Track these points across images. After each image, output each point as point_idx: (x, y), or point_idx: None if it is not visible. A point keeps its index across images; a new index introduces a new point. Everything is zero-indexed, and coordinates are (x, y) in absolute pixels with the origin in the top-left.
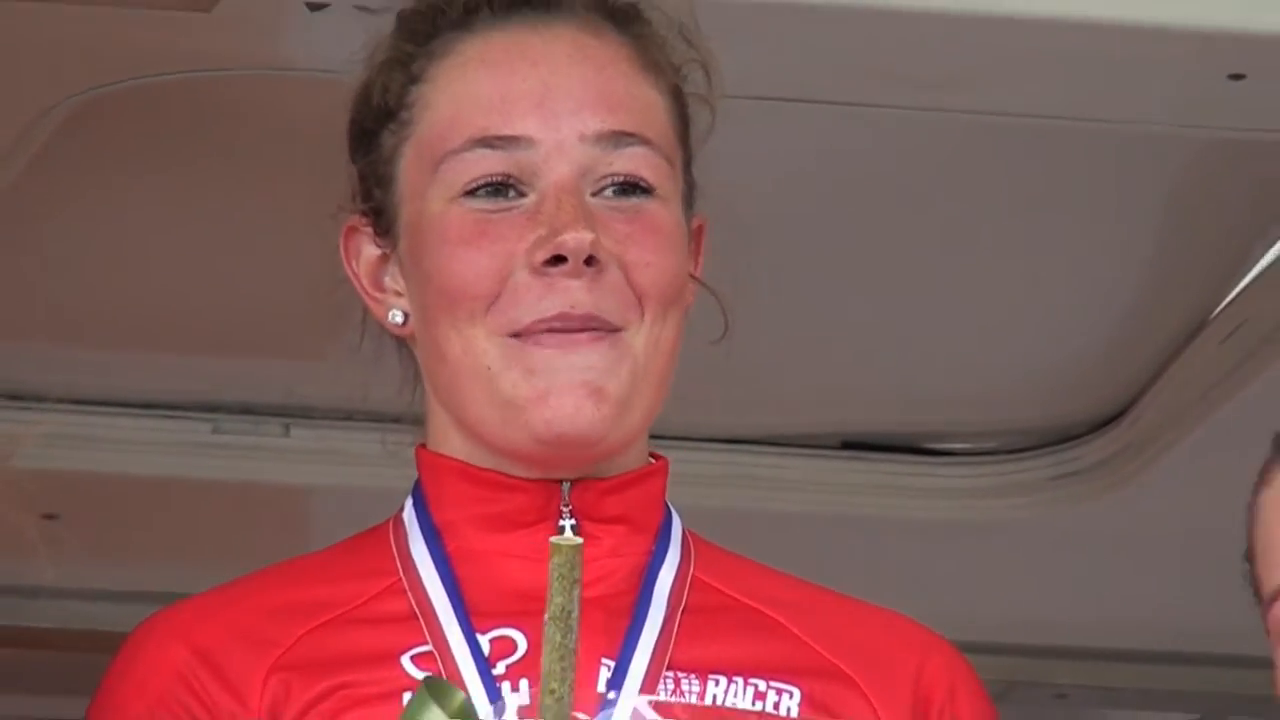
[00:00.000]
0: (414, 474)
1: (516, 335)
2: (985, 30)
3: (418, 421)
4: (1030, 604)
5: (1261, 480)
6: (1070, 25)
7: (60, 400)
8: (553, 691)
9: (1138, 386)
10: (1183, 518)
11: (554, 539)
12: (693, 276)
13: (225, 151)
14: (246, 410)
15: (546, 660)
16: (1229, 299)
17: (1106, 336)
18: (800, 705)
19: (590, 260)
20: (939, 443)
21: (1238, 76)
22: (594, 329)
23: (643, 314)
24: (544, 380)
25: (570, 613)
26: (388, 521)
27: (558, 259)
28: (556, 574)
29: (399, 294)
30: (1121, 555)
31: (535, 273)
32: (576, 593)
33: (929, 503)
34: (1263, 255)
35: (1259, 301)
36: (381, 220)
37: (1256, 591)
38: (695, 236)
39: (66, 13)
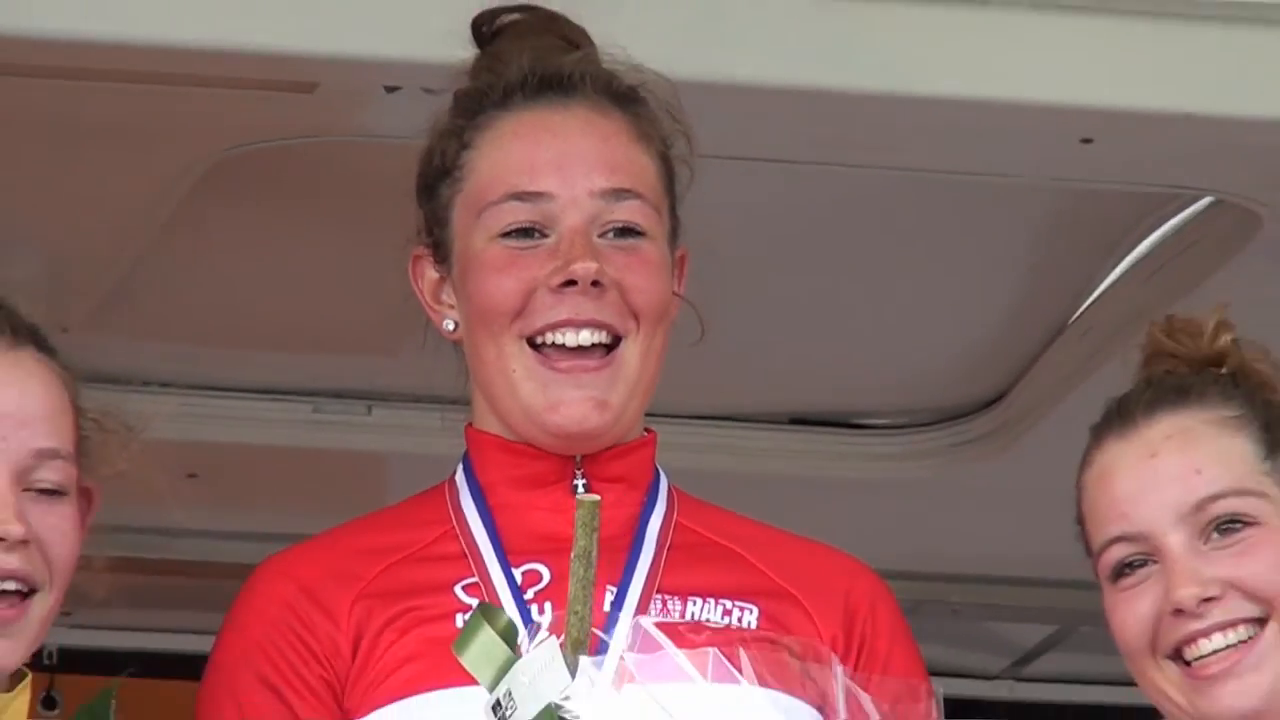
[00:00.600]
0: (463, 445)
1: (534, 338)
2: (897, 106)
3: (467, 404)
4: (932, 541)
5: (1084, 463)
6: (960, 102)
7: (202, 387)
8: (576, 612)
9: (1014, 375)
10: (1048, 475)
11: (580, 495)
12: (676, 294)
13: (323, 198)
14: (338, 395)
15: (572, 588)
16: (1082, 309)
17: (990, 338)
18: (758, 619)
19: (595, 284)
20: (864, 419)
21: (1088, 140)
22: (595, 326)
23: (638, 326)
24: (556, 395)
25: (590, 552)
26: (443, 483)
27: (570, 282)
28: (580, 522)
29: (451, 307)
30: (1001, 504)
31: (553, 292)
32: (595, 537)
33: (856, 464)
34: (1107, 276)
35: (1105, 311)
36: (440, 251)
37: (1086, 546)
38: (679, 264)
39: (207, 92)
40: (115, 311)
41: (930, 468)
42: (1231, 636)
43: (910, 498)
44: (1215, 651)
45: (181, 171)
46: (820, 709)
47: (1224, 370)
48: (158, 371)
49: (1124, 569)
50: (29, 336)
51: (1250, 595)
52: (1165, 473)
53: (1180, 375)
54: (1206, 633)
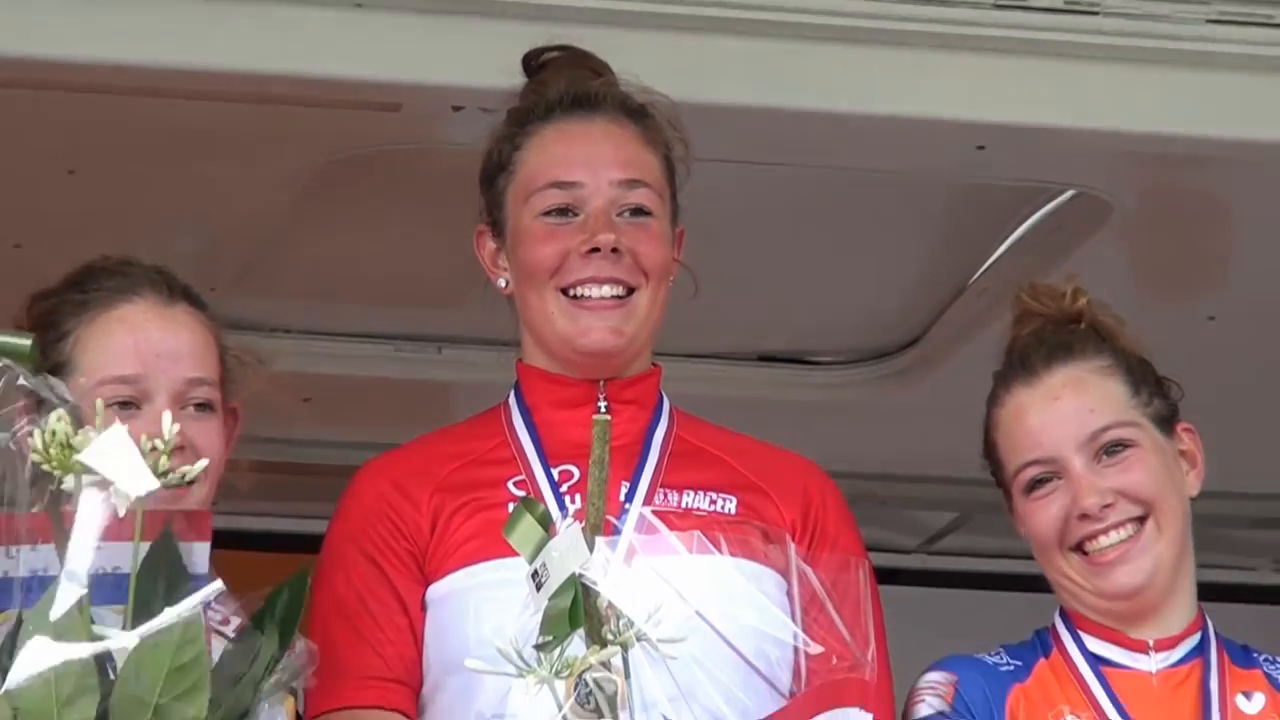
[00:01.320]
0: (510, 378)
1: (568, 290)
2: (836, 121)
3: (515, 345)
4: (865, 449)
5: (994, 403)
6: (883, 118)
7: (313, 332)
8: (594, 505)
9: (926, 324)
10: (952, 400)
11: (595, 417)
12: (676, 260)
13: (405, 191)
14: (414, 338)
15: (591, 486)
16: (977, 275)
17: (908, 295)
18: (736, 507)
19: (614, 250)
20: (814, 356)
21: (981, 147)
22: (614, 282)
23: (646, 281)
24: (585, 324)
25: (604, 459)
26: (498, 405)
27: (594, 250)
28: (596, 437)
29: (505, 269)
30: (916, 421)
31: (582, 257)
32: (608, 448)
33: (808, 391)
34: (996, 250)
35: (994, 277)
36: (496, 227)
37: (993, 465)
38: (679, 238)
39: (318, 111)
40: (251, 275)
41: (864, 394)
42: (1122, 533)
43: (849, 417)
44: (1110, 545)
45: (299, 171)
46: (783, 574)
47: (1082, 325)
48: (282, 320)
49: (1036, 484)
50: (182, 294)
51: (1134, 499)
52: (1066, 412)
53: (1061, 333)
54: (1105, 530)
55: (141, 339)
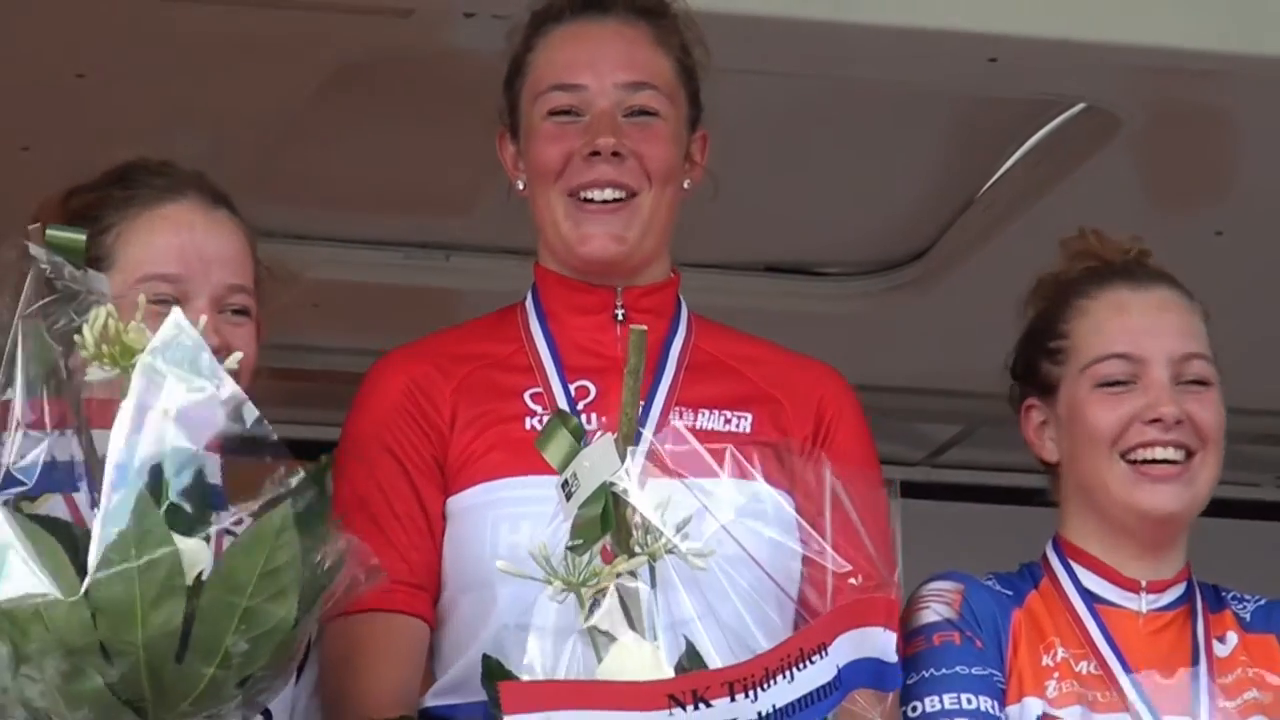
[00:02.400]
0: (511, 285)
1: (573, 193)
2: (851, 32)
3: (516, 253)
4: (871, 361)
5: (1081, 293)
6: (897, 30)
7: (323, 239)
8: (627, 415)
9: (933, 237)
10: (959, 314)
11: (633, 326)
12: (698, 163)
13: (418, 98)
14: (423, 245)
15: (625, 396)
16: (985, 187)
17: (916, 208)
18: (751, 424)
19: (616, 154)
20: (823, 267)
21: (993, 60)
22: (615, 185)
23: (650, 184)
24: (586, 230)
25: (639, 369)
26: (515, 305)
27: (595, 153)
28: (633, 346)
29: (524, 172)
30: (923, 334)
31: (584, 160)
32: (643, 357)
33: (816, 303)
34: (1005, 162)
35: (1003, 190)
36: (514, 129)
37: (1037, 361)
38: (700, 143)
39: (330, 15)
40: (263, 181)
41: (871, 305)
42: (1176, 454)
43: (855, 329)
44: (1165, 460)
45: (309, 76)
46: (790, 492)
47: (1165, 277)
48: (290, 226)
49: (1112, 382)
50: (223, 199)
51: (1197, 430)
52: (1171, 324)
53: (1131, 269)
54: (1164, 443)
55: (187, 239)
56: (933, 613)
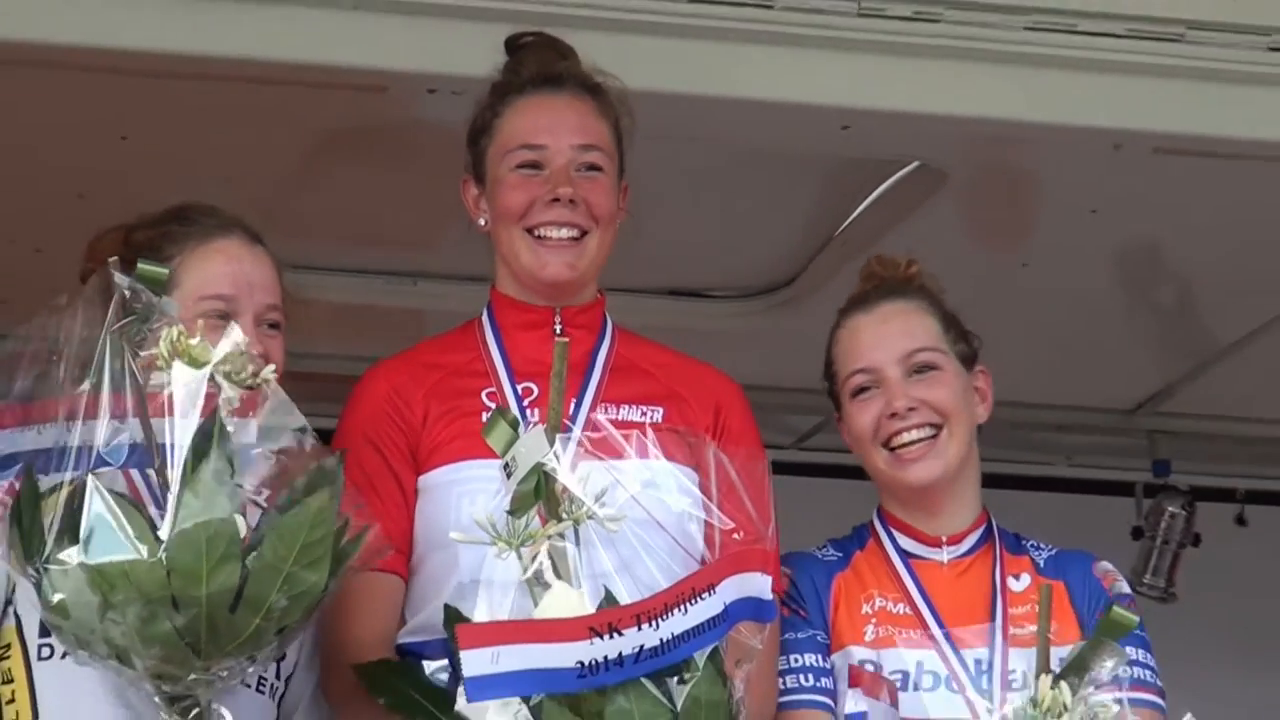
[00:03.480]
0: (470, 305)
1: (531, 230)
2: (730, 106)
3: (471, 280)
4: (753, 366)
5: (837, 327)
6: (769, 102)
7: (318, 268)
8: (554, 409)
9: (800, 267)
10: (824, 327)
11: (558, 339)
12: (621, 208)
13: (391, 157)
14: (395, 273)
15: (551, 395)
16: (842, 227)
17: (788, 243)
18: (663, 417)
19: (571, 201)
20: (713, 291)
21: (846, 127)
22: (570, 225)
23: (596, 225)
24: (544, 259)
25: (562, 373)
26: (473, 321)
27: (555, 200)
28: (557, 355)
29: (484, 211)
30: (796, 343)
31: (546, 205)
32: (565, 364)
33: (711, 320)
34: (857, 207)
35: (855, 229)
36: (479, 178)
37: (830, 378)
38: (623, 192)
39: (315, 90)
40: (266, 221)
41: (752, 322)
42: (921, 433)
43: (739, 340)
44: (911, 442)
45: (305, 139)
46: (696, 469)
47: (914, 285)
48: (292, 257)
49: (860, 390)
50: (258, 237)
51: (934, 409)
52: (891, 332)
53: (895, 284)
54: (908, 429)
55: (236, 267)
56: None
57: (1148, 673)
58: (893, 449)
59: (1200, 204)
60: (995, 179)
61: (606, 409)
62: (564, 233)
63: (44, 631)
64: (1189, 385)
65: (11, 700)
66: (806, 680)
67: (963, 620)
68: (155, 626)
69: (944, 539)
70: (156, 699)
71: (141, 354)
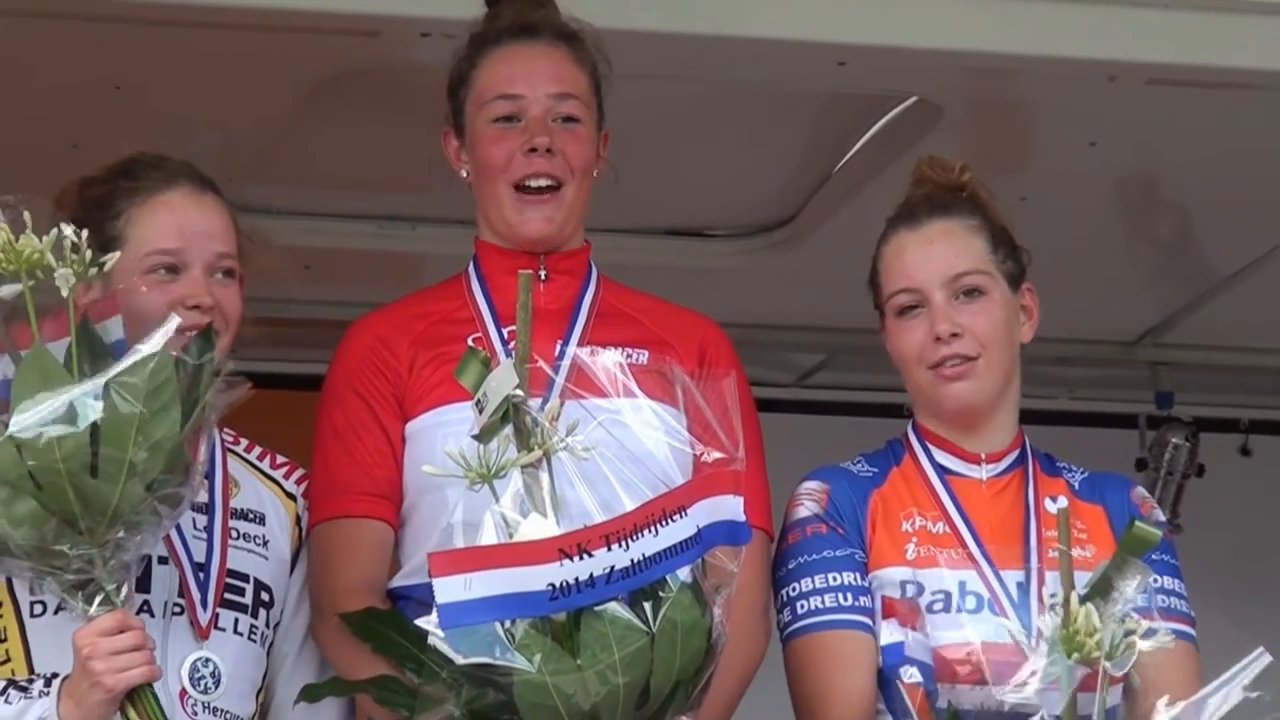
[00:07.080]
0: (468, 250)
1: (517, 185)
2: (729, 43)
3: (468, 223)
4: (751, 305)
5: (883, 241)
6: (769, 40)
7: (310, 214)
8: (521, 340)
9: (798, 206)
10: (820, 266)
11: (520, 271)
12: (601, 156)
13: (386, 100)
14: (392, 218)
15: (518, 325)
16: (840, 164)
17: (785, 182)
18: (648, 360)
19: (548, 151)
20: (712, 230)
21: (842, 64)
22: (548, 176)
23: (573, 175)
24: (524, 214)
25: (527, 305)
26: (460, 274)
27: (532, 150)
28: (521, 286)
29: (465, 162)
30: (793, 283)
31: (524, 156)
32: (530, 295)
33: (706, 258)
34: (856, 143)
35: (854, 165)
36: (458, 129)
37: (876, 295)
38: (604, 140)
39: (311, 35)
40: (261, 168)
41: (751, 260)
42: (962, 354)
43: (739, 279)
44: (951, 359)
45: (300, 84)
46: (672, 404)
47: (964, 193)
48: (286, 204)
49: (905, 310)
50: (209, 184)
51: (975, 338)
52: (937, 254)
53: (944, 195)
54: (949, 355)
55: (183, 220)
56: (805, 509)
57: (1181, 602)
58: (936, 366)
59: (1198, 135)
60: (992, 113)
61: (593, 352)
62: (541, 182)
63: (34, 589)
64: (1190, 316)
65: (6, 660)
66: (845, 600)
67: (999, 541)
68: (19, 505)
69: (983, 456)
70: (58, 588)
71: None
